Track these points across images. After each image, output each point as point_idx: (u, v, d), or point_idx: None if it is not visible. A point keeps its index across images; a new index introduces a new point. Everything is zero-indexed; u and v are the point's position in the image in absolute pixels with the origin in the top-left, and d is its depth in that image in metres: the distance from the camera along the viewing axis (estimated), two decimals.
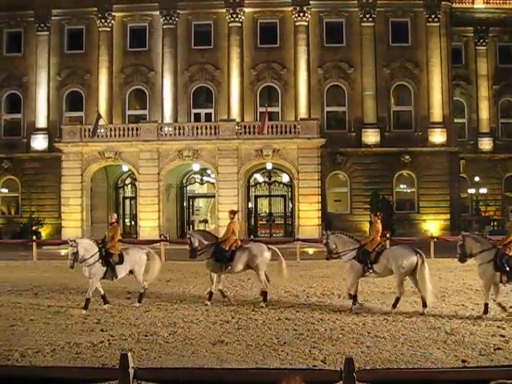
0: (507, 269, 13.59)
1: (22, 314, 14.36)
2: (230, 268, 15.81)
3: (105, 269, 15.03)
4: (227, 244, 15.79)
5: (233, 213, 16.33)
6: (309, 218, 37.94)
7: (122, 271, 15.29)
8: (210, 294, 15.72)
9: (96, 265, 14.86)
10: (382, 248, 15.15)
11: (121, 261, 15.18)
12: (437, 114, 42.40)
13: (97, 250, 14.98)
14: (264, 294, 15.56)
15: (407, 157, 41.77)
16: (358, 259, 14.82)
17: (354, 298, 14.81)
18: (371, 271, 14.81)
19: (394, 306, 14.36)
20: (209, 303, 15.34)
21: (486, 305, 13.65)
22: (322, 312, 14.26)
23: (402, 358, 10.13)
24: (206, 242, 15.85)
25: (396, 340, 11.37)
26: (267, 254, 15.78)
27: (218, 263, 15.69)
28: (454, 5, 44.35)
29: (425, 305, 14.14)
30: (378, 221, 15.39)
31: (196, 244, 15.81)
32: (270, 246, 16.42)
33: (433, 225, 40.71)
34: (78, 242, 14.76)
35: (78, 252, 14.55)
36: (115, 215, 16.67)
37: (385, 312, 14.10)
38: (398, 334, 11.81)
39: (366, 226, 39.63)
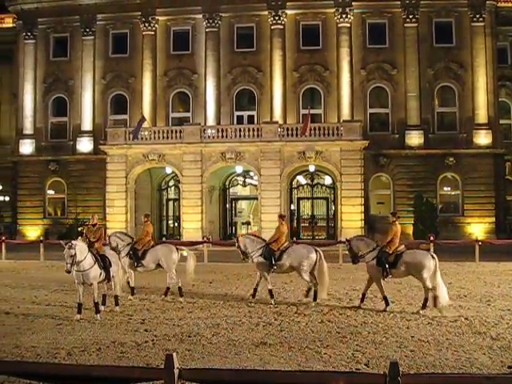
0: (387, 265, 14.90)
1: (68, 313, 14.62)
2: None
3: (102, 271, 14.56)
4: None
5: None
6: (351, 221, 37.72)
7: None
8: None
9: (95, 268, 14.31)
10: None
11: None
12: (482, 115, 41.70)
13: (88, 251, 14.34)
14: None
15: (451, 159, 41.18)
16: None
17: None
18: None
19: (307, 295, 15.97)
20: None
21: (385, 298, 15.04)
22: (364, 315, 14.18)
23: (446, 362, 10.00)
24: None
25: (440, 344, 11.23)
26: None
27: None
28: (499, 4, 43.51)
29: (315, 298, 15.67)
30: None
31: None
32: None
33: (477, 228, 40.04)
34: (75, 244, 14.01)
35: (75, 255, 13.84)
36: (96, 216, 16.16)
37: (427, 315, 13.94)
38: (442, 339, 11.66)
39: (410, 229, 39.27)
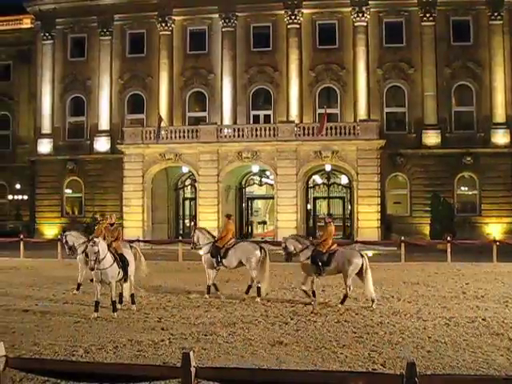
0: (319, 263, 15.79)
1: (85, 311, 14.72)
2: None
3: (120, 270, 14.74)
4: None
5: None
6: (368, 220, 37.59)
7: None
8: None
9: (114, 266, 14.50)
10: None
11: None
12: (500, 114, 41.36)
13: (107, 250, 14.45)
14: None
15: (469, 158, 40.89)
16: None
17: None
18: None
19: (248, 291, 16.66)
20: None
21: (314, 292, 16.08)
22: (381, 315, 14.14)
23: (463, 363, 9.96)
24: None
25: (457, 345, 11.18)
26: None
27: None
28: None
29: (259, 294, 16.32)
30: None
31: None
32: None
33: (495, 228, 39.72)
34: (98, 242, 14.14)
35: (99, 252, 13.94)
36: (114, 215, 16.60)
37: (445, 316, 13.88)
38: (459, 340, 11.61)
39: (427, 229, 39.09)
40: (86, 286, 17.78)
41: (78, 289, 17.81)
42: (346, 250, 17.17)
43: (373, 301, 15.39)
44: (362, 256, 15.93)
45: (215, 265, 17.11)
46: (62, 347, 11.06)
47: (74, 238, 18.42)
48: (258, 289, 16.57)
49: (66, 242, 18.24)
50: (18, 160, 48.67)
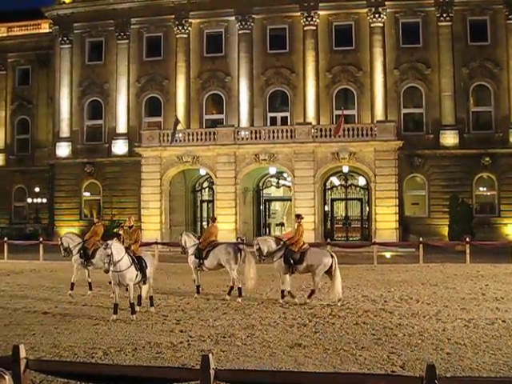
0: (292, 262, 16.51)
1: (104, 313, 14.79)
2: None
3: (137, 272, 14.81)
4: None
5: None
6: (386, 222, 37.42)
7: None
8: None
9: (131, 269, 14.52)
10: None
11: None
12: None
13: (125, 253, 14.57)
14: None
15: (487, 159, 40.60)
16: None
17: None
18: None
19: (229, 292, 17.19)
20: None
21: (290, 292, 16.60)
22: (400, 317, 14.07)
23: (483, 366, 9.87)
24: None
25: (477, 347, 11.09)
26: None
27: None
28: None
29: (240, 294, 16.91)
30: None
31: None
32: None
33: None
34: (110, 244, 14.15)
35: (112, 254, 14.00)
36: (132, 218, 16.99)
37: (464, 318, 13.79)
38: (479, 341, 11.52)
39: (445, 230, 38.85)
40: (105, 288, 17.86)
41: (71, 288, 17.98)
42: (316, 249, 18.00)
43: (339, 300, 15.98)
44: (332, 256, 16.69)
45: (197, 266, 17.81)
46: (82, 349, 11.13)
47: (70, 239, 18.70)
48: (239, 289, 17.08)
49: (62, 243, 18.57)
50: (36, 163, 49.15)
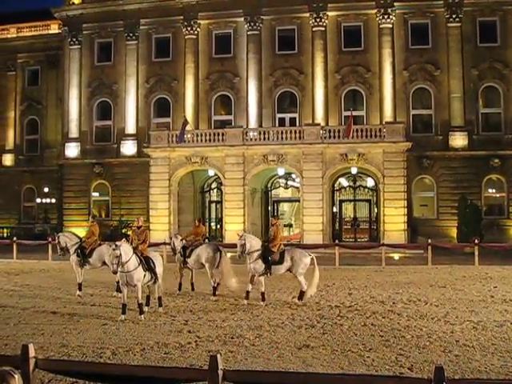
0: (270, 262, 16.61)
1: (112, 313, 14.84)
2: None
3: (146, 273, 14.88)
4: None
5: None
6: (394, 223, 37.34)
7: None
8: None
9: (139, 269, 14.55)
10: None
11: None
12: None
13: (132, 253, 14.58)
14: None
15: (496, 160, 40.44)
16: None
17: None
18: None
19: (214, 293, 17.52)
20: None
21: (263, 293, 16.53)
22: (408, 319, 14.04)
23: (492, 368, 9.84)
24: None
25: (486, 349, 11.05)
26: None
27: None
28: None
29: (214, 293, 17.45)
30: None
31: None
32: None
33: None
34: (119, 245, 14.14)
35: (121, 255, 14.01)
36: (141, 219, 17.01)
37: (473, 320, 13.74)
38: (487, 344, 11.48)
39: (454, 232, 38.72)
40: (113, 288, 17.90)
41: (80, 289, 17.91)
42: (294, 249, 18.07)
43: (310, 296, 16.62)
44: (310, 255, 17.02)
45: (182, 263, 18.52)
46: (90, 349, 11.17)
47: (67, 238, 18.61)
48: (214, 288, 17.66)
49: (59, 242, 18.43)
50: (46, 164, 49.38)
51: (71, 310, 15.51)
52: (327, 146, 38.39)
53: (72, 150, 46.56)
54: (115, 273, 14.37)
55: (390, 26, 42.07)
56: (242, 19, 43.86)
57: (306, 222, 38.16)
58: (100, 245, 18.26)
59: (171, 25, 45.18)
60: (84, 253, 18.11)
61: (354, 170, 40.16)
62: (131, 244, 15.08)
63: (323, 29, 42.75)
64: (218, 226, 43.25)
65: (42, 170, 49.36)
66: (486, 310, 15.14)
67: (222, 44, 44.74)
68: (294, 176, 41.85)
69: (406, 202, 38.13)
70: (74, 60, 46.76)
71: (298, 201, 40.87)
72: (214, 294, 17.45)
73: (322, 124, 40.63)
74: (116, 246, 14.16)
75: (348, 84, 43.02)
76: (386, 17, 41.90)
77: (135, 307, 14.58)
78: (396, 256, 31.08)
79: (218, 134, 39.92)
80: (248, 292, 16.67)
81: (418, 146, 39.38)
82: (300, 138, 38.70)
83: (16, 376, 3.81)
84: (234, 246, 30.58)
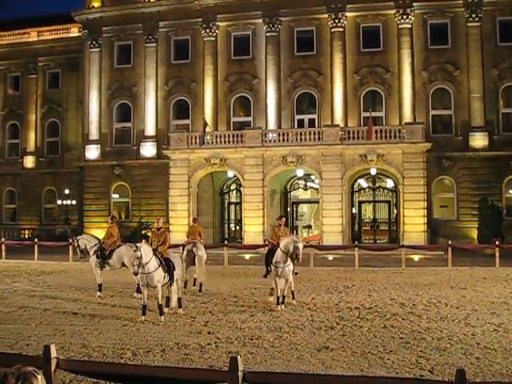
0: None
1: (133, 314, 14.91)
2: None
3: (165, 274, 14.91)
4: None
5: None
6: (414, 224, 37.16)
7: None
8: None
9: (159, 271, 14.63)
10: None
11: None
12: None
13: (152, 254, 14.66)
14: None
15: None
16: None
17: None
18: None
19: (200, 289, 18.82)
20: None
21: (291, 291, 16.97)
22: (428, 321, 13.95)
23: None
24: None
25: (507, 352, 10.93)
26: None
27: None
28: None
29: (200, 290, 18.72)
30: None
31: None
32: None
33: None
34: (140, 247, 14.23)
35: (141, 256, 14.07)
36: (161, 220, 16.95)
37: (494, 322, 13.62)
38: (509, 346, 11.36)
39: (474, 233, 38.43)
40: (134, 290, 18.00)
41: (100, 290, 18.10)
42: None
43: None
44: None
45: (185, 260, 19.22)
46: (111, 350, 11.23)
47: (86, 240, 18.92)
48: (200, 285, 19.02)
49: (78, 245, 18.79)
50: (66, 166, 49.84)
51: (92, 310, 15.61)
52: (346, 147, 38.30)
53: (92, 152, 46.91)
54: (136, 274, 14.42)
55: (409, 26, 41.86)
56: (261, 21, 43.90)
57: (325, 223, 38.09)
58: (119, 246, 18.39)
59: (190, 27, 45.35)
60: (104, 254, 18.26)
61: (373, 171, 40.02)
62: (151, 245, 15.15)
63: (342, 30, 42.66)
64: (238, 228, 43.29)
65: (62, 172, 49.81)
66: (507, 311, 15.00)
67: (240, 46, 44.81)
68: (313, 177, 41.80)
69: (425, 203, 37.94)
70: (93, 63, 47.12)
71: (318, 202, 40.81)
72: (200, 290, 18.73)
73: (341, 125, 40.54)
74: (137, 247, 14.25)
75: (367, 85, 42.88)
76: (404, 17, 41.71)
77: (155, 308, 14.64)
78: (416, 257, 30.89)
79: (237, 136, 39.99)
80: (272, 289, 16.89)
81: (438, 147, 39.15)
82: (319, 139, 38.65)
83: (39, 376, 3.84)
84: (253, 247, 30.72)
